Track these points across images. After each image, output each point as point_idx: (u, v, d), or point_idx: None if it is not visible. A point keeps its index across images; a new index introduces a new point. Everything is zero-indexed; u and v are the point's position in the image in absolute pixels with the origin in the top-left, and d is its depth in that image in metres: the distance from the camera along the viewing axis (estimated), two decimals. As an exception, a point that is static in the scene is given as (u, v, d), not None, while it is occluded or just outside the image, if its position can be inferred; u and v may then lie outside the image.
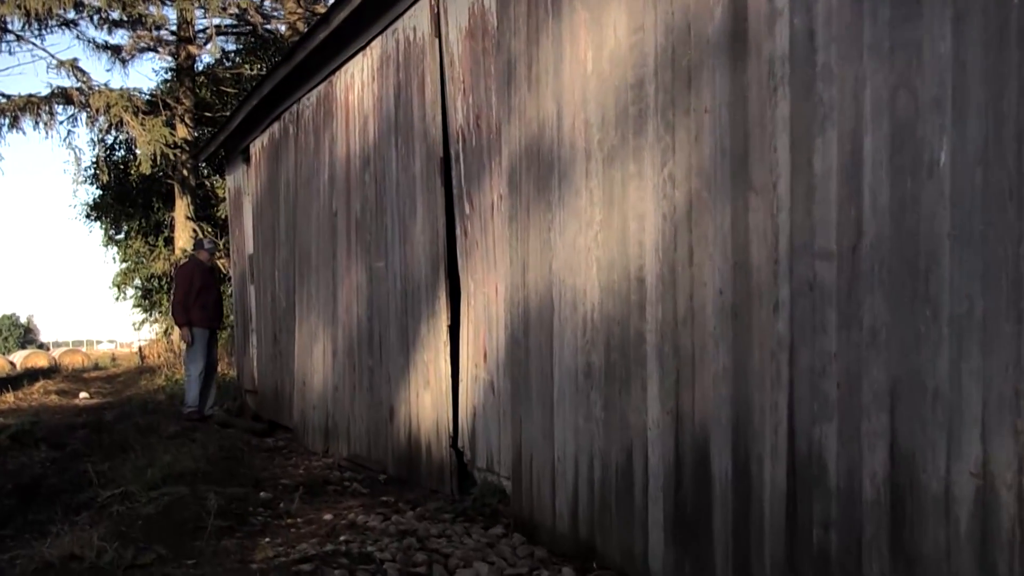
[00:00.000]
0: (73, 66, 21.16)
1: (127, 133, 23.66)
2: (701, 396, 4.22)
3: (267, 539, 5.90)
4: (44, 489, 8.53)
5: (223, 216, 22.43)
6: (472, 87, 6.81)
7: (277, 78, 10.31)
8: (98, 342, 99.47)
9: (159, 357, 23.29)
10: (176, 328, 12.84)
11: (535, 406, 5.71)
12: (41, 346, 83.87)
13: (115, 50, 23.84)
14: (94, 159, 25.02)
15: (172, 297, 13.12)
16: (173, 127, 22.21)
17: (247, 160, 13.41)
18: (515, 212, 5.94)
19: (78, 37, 21.97)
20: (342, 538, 5.67)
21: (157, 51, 24.78)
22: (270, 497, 7.13)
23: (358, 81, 8.76)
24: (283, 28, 24.38)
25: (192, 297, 12.58)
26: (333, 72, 9.38)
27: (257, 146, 12.52)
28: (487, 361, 6.70)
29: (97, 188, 25.74)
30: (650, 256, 4.60)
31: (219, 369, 16.59)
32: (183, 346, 13.20)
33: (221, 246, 22.67)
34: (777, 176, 3.76)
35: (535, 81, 5.67)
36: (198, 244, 13.65)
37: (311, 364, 10.08)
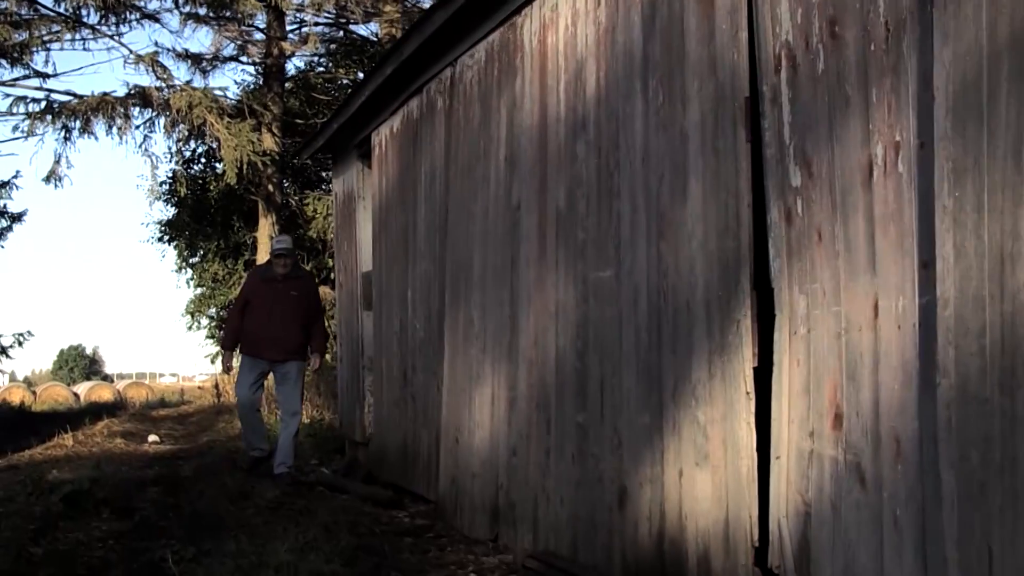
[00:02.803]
0: (153, 60, 18.67)
1: (207, 144, 21.29)
2: None
3: None
4: (106, 588, 6.05)
5: (313, 235, 20.02)
6: (821, -27, 4.10)
7: (428, 30, 7.68)
8: (161, 375, 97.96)
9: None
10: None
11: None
12: (105, 378, 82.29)
13: (195, 59, 21.40)
14: (170, 173, 22.69)
15: None
16: (259, 136, 19.70)
17: (365, 155, 10.81)
18: (974, 162, 3.23)
19: (156, 44, 19.50)
20: None
21: (240, 60, 22.43)
22: (464, 641, 4.42)
23: (566, 13, 6.09)
24: (378, 31, 21.85)
25: (244, 315, 10.01)
26: (518, 10, 6.73)
27: (383, 134, 9.90)
28: (842, 428, 3.94)
29: (172, 206, 23.38)
30: None
31: (304, 414, 13.90)
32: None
33: (323, 266, 20.10)
34: None
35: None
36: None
37: (470, 415, 7.37)
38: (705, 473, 4.69)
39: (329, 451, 12.11)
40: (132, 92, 18.98)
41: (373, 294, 10.22)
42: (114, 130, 19.12)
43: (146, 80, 19.23)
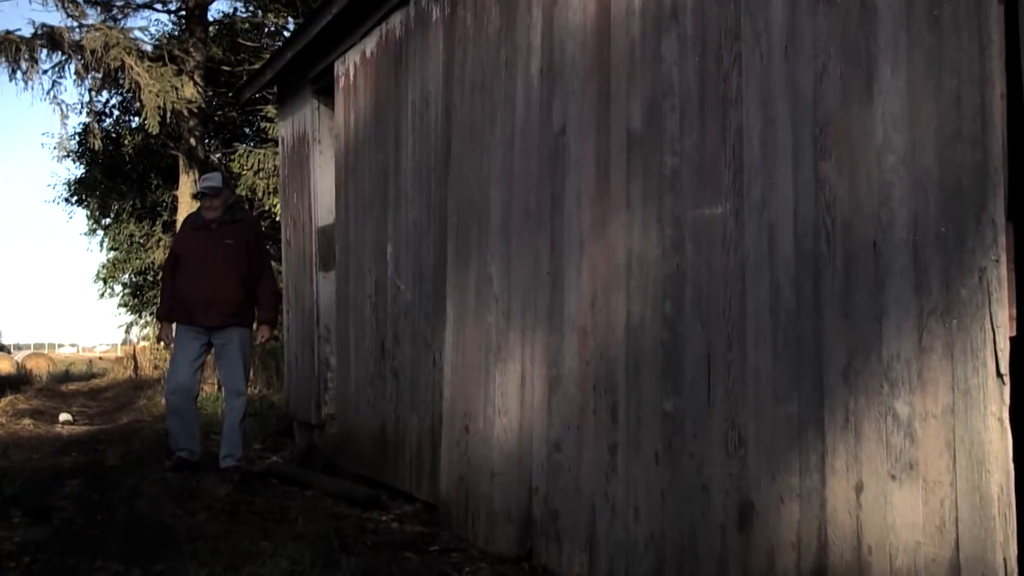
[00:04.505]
0: (63, -5, 16.71)
1: (123, 94, 19.30)
2: None
3: None
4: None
5: (242, 192, 18.25)
6: None
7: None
8: (60, 345, 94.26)
9: (156, 368, 18.95)
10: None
11: None
12: (2, 348, 78.70)
13: (106, 6, 19.29)
14: (80, 127, 20.66)
15: None
16: (181, 83, 17.80)
17: (323, 91, 9.18)
18: None
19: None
20: None
21: (155, 7, 20.40)
22: None
23: None
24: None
25: (176, 275, 8.21)
26: None
27: (350, 62, 8.29)
28: None
29: (83, 163, 21.34)
30: None
31: (248, 391, 12.13)
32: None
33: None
34: None
35: None
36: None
37: (487, 398, 5.87)
38: (910, 490, 3.25)
39: (273, 433, 10.51)
40: (39, 32, 16.86)
41: (337, 251, 8.62)
42: (19, 75, 17.02)
43: (55, 19, 17.25)
